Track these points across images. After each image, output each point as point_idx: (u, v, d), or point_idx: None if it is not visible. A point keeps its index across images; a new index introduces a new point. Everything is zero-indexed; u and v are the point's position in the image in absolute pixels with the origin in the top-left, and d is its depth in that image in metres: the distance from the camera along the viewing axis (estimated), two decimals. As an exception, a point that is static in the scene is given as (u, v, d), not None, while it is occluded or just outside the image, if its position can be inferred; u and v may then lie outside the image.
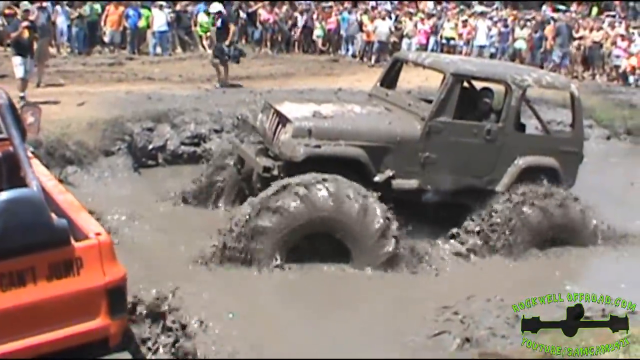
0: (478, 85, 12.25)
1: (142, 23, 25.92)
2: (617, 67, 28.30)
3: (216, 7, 20.30)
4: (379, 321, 8.93)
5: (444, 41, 28.79)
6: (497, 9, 36.53)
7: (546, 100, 18.07)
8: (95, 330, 5.47)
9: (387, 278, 9.90)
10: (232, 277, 9.57)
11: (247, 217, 9.71)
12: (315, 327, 8.65)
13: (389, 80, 12.82)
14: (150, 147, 14.60)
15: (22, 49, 15.72)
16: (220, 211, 12.01)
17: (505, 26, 29.41)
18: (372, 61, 27.20)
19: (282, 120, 10.77)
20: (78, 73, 19.89)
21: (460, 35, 29.00)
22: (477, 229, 11.11)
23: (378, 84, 12.77)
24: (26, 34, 15.77)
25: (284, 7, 30.03)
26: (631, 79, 27.53)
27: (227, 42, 19.42)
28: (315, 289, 9.61)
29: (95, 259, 5.43)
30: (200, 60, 24.47)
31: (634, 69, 27.52)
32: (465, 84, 12.10)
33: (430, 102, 11.41)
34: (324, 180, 9.87)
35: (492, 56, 27.34)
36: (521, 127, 12.16)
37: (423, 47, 27.78)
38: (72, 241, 5.38)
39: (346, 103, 12.29)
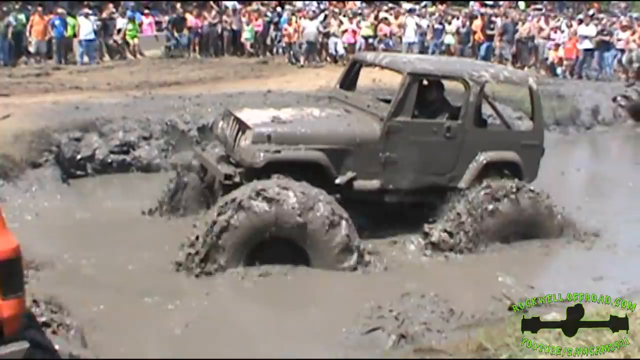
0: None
1: (68, 32, 25.62)
2: (545, 59, 28.74)
3: None
4: (315, 321, 8.96)
5: (362, 40, 28.75)
6: (425, 6, 36.79)
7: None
8: None
9: (333, 278, 9.91)
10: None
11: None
12: (253, 328, 8.74)
13: (349, 82, 12.77)
14: (79, 157, 14.35)
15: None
16: (181, 221, 11.84)
17: (440, 23, 29.69)
18: (302, 62, 27.25)
19: (242, 127, 10.76)
20: (3, 85, 19.50)
21: (385, 34, 29.07)
22: (439, 226, 11.10)
23: (337, 86, 12.73)
24: None
25: (213, 12, 29.91)
26: (559, 70, 27.96)
27: None
28: (260, 290, 9.60)
29: None
30: (128, 67, 24.29)
31: (561, 60, 27.94)
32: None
33: (389, 102, 11.42)
34: (293, 186, 9.90)
35: (421, 53, 27.46)
36: (483, 123, 12.20)
37: (351, 46, 27.89)
38: None
39: (305, 107, 12.40)
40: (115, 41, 26.92)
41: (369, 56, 13.82)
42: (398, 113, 10.98)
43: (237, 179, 10.45)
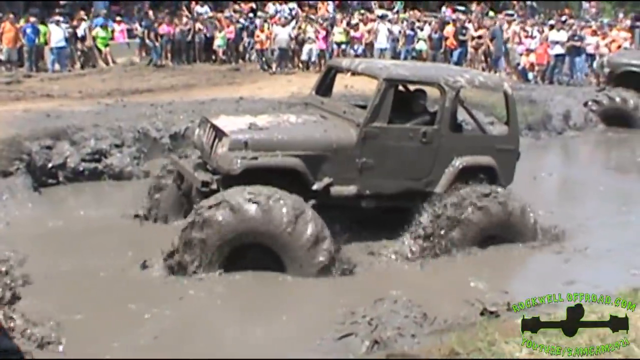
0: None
1: (39, 39, 25.48)
2: (516, 64, 28.92)
3: None
4: (288, 326, 8.99)
5: (334, 46, 28.86)
6: (397, 12, 36.87)
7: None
8: None
9: (307, 284, 9.90)
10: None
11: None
12: (226, 334, 8.79)
13: (324, 88, 12.78)
14: (50, 165, 14.22)
15: None
16: (157, 228, 11.85)
17: (412, 29, 29.77)
18: (274, 68, 27.28)
19: (219, 134, 10.74)
20: (-26, 93, 19.47)
21: (354, 39, 29.13)
22: (417, 231, 11.12)
23: (313, 92, 12.74)
24: None
25: (184, 18, 29.86)
26: (530, 75, 28.13)
27: None
28: (234, 296, 9.62)
29: None
30: (99, 75, 24.21)
31: (532, 65, 28.11)
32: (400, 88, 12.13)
33: (364, 108, 11.42)
34: (254, 191, 9.87)
35: (393, 59, 27.52)
36: (458, 128, 12.23)
37: (322, 53, 28.02)
38: None
39: (282, 113, 12.38)
40: (81, 49, 26.80)
41: (345, 62, 13.85)
42: (374, 119, 11.00)
43: (214, 186, 10.43)
